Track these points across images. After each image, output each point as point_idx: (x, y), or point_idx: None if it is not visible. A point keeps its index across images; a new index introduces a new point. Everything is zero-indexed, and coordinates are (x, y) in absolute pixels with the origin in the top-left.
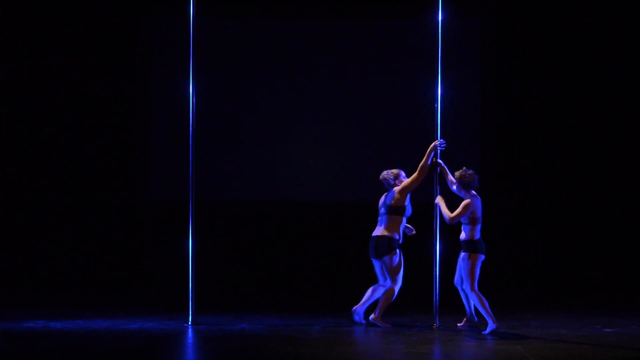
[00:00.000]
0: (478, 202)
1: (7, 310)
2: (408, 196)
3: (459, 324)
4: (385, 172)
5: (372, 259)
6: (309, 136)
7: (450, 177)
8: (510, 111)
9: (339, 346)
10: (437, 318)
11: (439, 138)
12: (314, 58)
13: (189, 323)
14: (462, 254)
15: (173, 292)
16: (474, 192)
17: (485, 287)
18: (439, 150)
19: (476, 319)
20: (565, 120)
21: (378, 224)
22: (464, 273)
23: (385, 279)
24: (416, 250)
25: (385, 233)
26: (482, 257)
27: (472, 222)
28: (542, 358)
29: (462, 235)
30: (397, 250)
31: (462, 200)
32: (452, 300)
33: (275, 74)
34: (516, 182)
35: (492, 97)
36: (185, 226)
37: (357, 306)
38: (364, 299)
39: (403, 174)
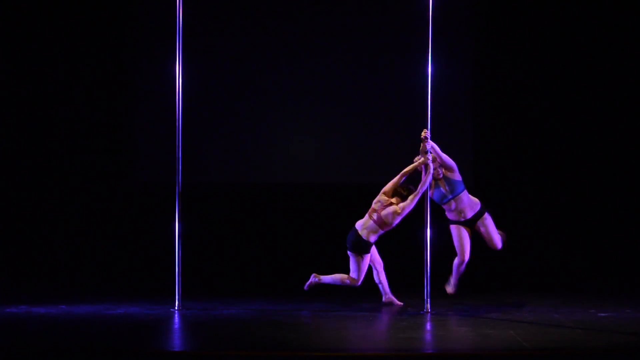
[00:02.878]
0: None
1: None
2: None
3: None
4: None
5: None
6: (299, 118)
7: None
8: (505, 91)
9: (328, 331)
10: (428, 302)
11: (429, 120)
12: (304, 38)
13: (176, 308)
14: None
15: (159, 277)
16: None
17: (478, 272)
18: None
19: None
20: (563, 106)
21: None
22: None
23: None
24: (407, 233)
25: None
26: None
27: None
28: (535, 343)
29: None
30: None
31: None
32: (443, 284)
33: (265, 54)
34: (510, 165)
35: (485, 76)
36: (172, 208)
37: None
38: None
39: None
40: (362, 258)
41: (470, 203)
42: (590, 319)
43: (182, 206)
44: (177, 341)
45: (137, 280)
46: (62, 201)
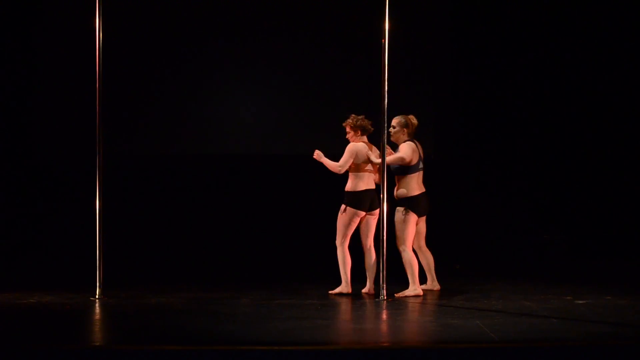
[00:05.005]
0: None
1: None
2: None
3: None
4: None
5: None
6: (240, 85)
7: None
8: (467, 48)
9: (271, 322)
10: (384, 289)
11: (385, 81)
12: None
13: (97, 296)
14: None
15: (78, 261)
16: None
17: (440, 254)
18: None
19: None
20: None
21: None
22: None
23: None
24: None
25: None
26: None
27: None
28: (503, 334)
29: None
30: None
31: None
32: (400, 267)
33: (201, 19)
34: (474, 137)
35: (446, 32)
36: (92, 185)
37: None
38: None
39: None
40: None
41: None
42: (565, 307)
43: (103, 182)
44: (97, 334)
45: (52, 266)
46: None
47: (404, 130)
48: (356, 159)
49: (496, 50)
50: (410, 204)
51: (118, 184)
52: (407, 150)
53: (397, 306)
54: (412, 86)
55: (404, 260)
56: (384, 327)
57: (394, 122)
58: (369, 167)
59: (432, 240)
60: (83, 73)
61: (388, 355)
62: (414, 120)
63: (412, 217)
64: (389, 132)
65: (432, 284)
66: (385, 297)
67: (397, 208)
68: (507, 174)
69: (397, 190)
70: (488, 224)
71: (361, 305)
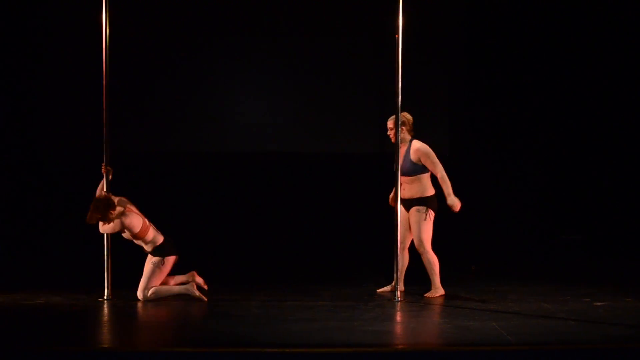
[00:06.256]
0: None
1: None
2: None
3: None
4: None
5: None
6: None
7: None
8: (482, 43)
9: (282, 324)
10: (398, 290)
11: (399, 77)
12: None
13: (104, 298)
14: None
15: (86, 262)
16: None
17: (455, 256)
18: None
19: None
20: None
21: None
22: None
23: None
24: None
25: None
26: None
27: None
28: (520, 336)
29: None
30: None
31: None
32: (415, 268)
33: (212, 18)
34: (489, 135)
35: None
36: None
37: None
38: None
39: None
40: None
41: None
42: (584, 309)
43: (111, 179)
44: (105, 336)
45: (60, 267)
46: None
47: (402, 129)
48: None
49: (512, 45)
50: (430, 203)
51: (126, 182)
52: (432, 153)
53: (412, 308)
54: (426, 83)
55: (425, 261)
56: (398, 329)
57: (390, 123)
58: None
59: (448, 241)
60: (89, 70)
61: (403, 357)
62: (408, 116)
63: (432, 217)
64: (391, 134)
65: (398, 285)
66: (399, 298)
67: (418, 208)
68: (524, 172)
69: (409, 190)
70: (504, 224)
71: (375, 307)
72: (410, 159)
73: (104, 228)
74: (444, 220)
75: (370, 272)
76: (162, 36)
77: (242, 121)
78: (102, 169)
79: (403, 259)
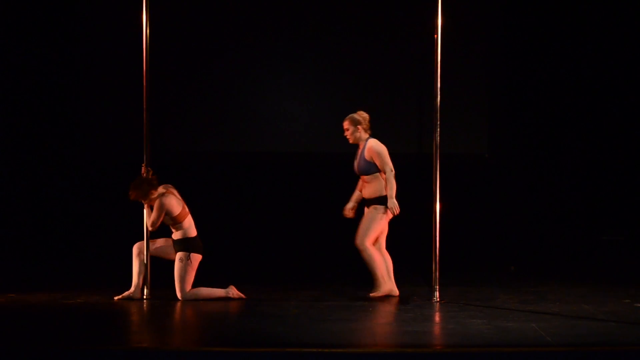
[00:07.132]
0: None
1: None
2: None
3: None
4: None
5: None
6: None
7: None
8: (521, 44)
9: (321, 324)
10: (437, 290)
11: (438, 78)
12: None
13: (144, 297)
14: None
15: (125, 261)
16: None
17: (494, 256)
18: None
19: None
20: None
21: None
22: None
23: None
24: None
25: None
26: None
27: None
28: (560, 337)
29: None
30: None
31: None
32: (453, 269)
33: (251, 18)
34: (529, 135)
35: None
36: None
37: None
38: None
39: None
40: None
41: None
42: (624, 310)
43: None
44: (145, 336)
45: (99, 266)
46: (12, 176)
47: (358, 128)
48: None
49: (552, 44)
50: (385, 203)
51: (166, 182)
52: (385, 152)
53: (450, 308)
54: (465, 83)
55: (366, 257)
56: (436, 329)
57: (345, 124)
58: None
59: (487, 241)
60: (130, 71)
61: (442, 358)
62: (363, 114)
63: (388, 217)
64: (347, 134)
65: (392, 290)
66: (438, 299)
67: (375, 206)
68: (564, 172)
69: (367, 189)
70: (544, 225)
71: (413, 308)
72: (364, 158)
73: (151, 219)
74: (482, 221)
75: (408, 272)
76: (202, 36)
77: (282, 122)
78: (142, 169)
79: (385, 260)
